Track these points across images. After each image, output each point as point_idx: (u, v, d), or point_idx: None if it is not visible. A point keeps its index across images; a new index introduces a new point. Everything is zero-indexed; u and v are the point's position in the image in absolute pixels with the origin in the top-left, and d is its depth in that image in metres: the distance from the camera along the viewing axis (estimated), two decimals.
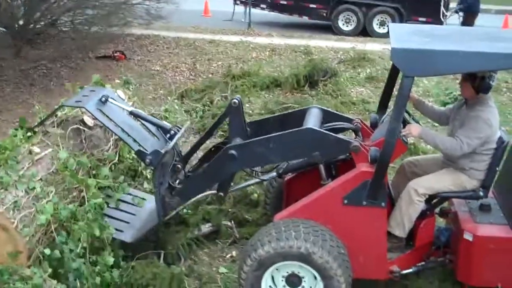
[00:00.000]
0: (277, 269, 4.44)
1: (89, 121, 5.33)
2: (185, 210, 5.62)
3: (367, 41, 14.12)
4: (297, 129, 4.70)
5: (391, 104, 5.00)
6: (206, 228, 5.70)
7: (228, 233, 5.72)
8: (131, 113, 5.15)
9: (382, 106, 5.34)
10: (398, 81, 4.72)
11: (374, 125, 5.16)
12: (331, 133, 4.69)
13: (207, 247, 5.54)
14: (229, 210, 5.99)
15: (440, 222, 5.30)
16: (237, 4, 16.30)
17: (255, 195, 6.11)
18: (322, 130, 4.73)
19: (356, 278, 4.53)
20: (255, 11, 16.06)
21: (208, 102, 9.15)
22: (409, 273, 4.82)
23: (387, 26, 15.20)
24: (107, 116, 4.88)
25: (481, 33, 4.93)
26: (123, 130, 4.87)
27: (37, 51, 11.97)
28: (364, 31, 15.37)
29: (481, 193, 4.72)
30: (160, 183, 4.87)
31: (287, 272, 4.46)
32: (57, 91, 10.09)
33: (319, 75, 10.10)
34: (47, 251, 4.30)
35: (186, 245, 5.35)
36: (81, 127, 5.25)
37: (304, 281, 4.46)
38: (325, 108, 5.38)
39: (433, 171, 4.88)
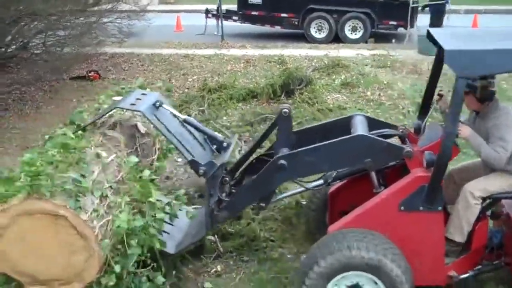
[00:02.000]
0: (337, 283, 4.37)
1: (141, 127, 5.21)
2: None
3: (340, 48, 14.23)
4: (348, 136, 4.69)
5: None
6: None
7: (212, 247, 5.69)
8: (184, 121, 5.01)
9: (423, 111, 5.31)
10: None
11: (417, 131, 5.16)
12: (383, 140, 4.69)
13: (191, 263, 5.50)
14: None
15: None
16: (209, 18, 16.33)
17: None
18: (374, 136, 4.71)
19: (416, 285, 4.48)
20: (227, 24, 16.11)
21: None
22: (467, 277, 4.77)
23: (359, 31, 15.37)
24: (162, 122, 4.77)
25: None
26: (176, 137, 4.78)
27: (10, 75, 11.87)
28: (336, 38, 15.48)
29: None
30: (210, 195, 4.82)
31: (347, 285, 4.39)
32: (32, 115, 10.01)
33: (295, 84, 10.14)
34: (118, 267, 4.14)
35: (170, 262, 5.31)
36: (136, 133, 5.14)
37: None
38: (369, 115, 5.38)
39: (482, 174, 4.86)
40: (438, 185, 4.42)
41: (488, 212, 4.88)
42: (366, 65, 12.28)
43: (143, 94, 5.08)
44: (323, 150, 4.62)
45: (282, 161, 4.63)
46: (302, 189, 5.32)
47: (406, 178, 4.53)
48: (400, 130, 5.12)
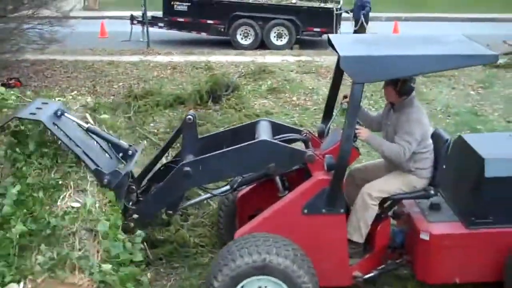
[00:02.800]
0: (243, 287, 4.36)
1: None
2: None
3: (266, 54, 14.39)
4: (251, 142, 4.71)
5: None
6: None
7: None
8: (88, 129, 4.94)
9: (327, 115, 5.40)
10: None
11: (321, 135, 5.22)
12: (285, 144, 4.73)
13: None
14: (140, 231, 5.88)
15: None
16: (134, 24, 16.13)
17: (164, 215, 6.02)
18: (276, 141, 4.74)
19: (321, 286, 4.52)
20: (153, 30, 15.96)
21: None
22: (371, 277, 4.89)
23: (285, 38, 15.57)
24: (63, 131, 4.64)
25: (419, 38, 5.14)
26: (79, 146, 4.65)
27: None
28: (262, 44, 15.64)
29: (432, 192, 4.84)
30: None
31: None
32: None
33: (222, 89, 10.19)
34: None
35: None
36: None
37: None
38: (274, 121, 5.40)
39: (382, 175, 4.96)
40: (338, 188, 4.52)
41: (390, 212, 5.02)
42: (291, 71, 12.47)
43: (44, 103, 4.97)
44: (227, 156, 4.68)
45: (187, 168, 4.64)
46: (210, 195, 5.33)
47: (308, 182, 4.62)
48: (304, 135, 5.17)
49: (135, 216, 4.79)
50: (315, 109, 10.11)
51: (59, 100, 5.71)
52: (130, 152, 5.04)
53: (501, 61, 13.55)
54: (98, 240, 3.95)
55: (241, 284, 4.31)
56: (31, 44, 12.43)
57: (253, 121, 5.50)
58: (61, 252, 3.62)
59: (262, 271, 4.26)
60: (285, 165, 4.78)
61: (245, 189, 5.38)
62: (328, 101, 5.42)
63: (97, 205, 4.24)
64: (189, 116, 4.93)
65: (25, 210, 3.98)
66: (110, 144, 5.09)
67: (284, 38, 15.66)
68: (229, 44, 15.73)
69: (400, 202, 5.03)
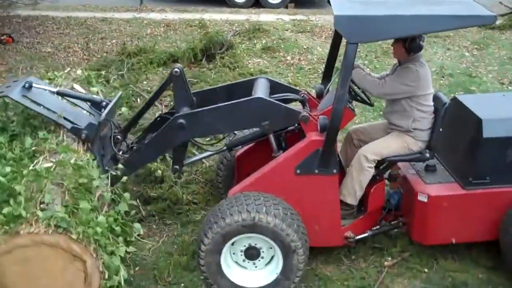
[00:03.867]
0: (233, 244, 4.45)
1: None
2: None
3: (261, 12, 14.22)
4: (246, 98, 4.70)
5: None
6: None
7: (134, 212, 5.65)
8: (57, 93, 4.95)
9: (326, 75, 5.37)
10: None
11: (319, 95, 5.21)
12: (280, 103, 4.71)
13: None
14: (134, 188, 5.93)
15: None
16: None
17: (159, 171, 6.06)
18: (271, 100, 4.72)
19: (312, 246, 4.59)
20: None
21: (104, 82, 8.93)
22: (364, 237, 4.96)
23: None
24: (34, 102, 4.68)
25: None
26: (53, 112, 4.68)
27: None
28: (257, 2, 15.42)
29: (427, 155, 4.86)
30: (102, 155, 4.80)
31: (245, 246, 4.49)
32: None
33: (216, 48, 10.11)
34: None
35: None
36: None
37: (263, 251, 4.51)
38: (272, 79, 5.37)
39: (379, 137, 4.98)
40: (331, 149, 4.52)
41: (386, 174, 5.06)
42: (286, 30, 12.36)
43: (14, 81, 5.05)
44: (222, 111, 4.67)
45: (181, 120, 4.65)
46: (209, 153, 5.39)
47: (301, 142, 4.63)
48: (301, 95, 5.16)
49: (121, 166, 4.81)
50: (309, 68, 10.07)
51: (50, 78, 5.73)
52: (104, 103, 5.06)
53: (497, 22, 13.49)
54: (65, 193, 4.03)
55: (231, 241, 4.39)
56: (22, 0, 12.25)
57: (251, 78, 5.45)
58: (15, 209, 3.71)
59: (252, 229, 4.33)
60: (279, 124, 4.80)
61: (243, 149, 5.41)
62: (327, 61, 5.39)
63: (72, 161, 4.27)
64: (176, 69, 4.88)
65: None
66: (87, 101, 5.12)
67: None
68: (224, 1, 15.51)
69: (395, 164, 5.05)
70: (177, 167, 5.04)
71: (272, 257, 4.54)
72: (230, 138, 5.34)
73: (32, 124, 4.86)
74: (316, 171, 4.59)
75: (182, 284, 4.82)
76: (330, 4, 4.74)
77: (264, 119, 4.67)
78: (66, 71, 6.02)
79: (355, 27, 4.25)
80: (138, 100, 8.37)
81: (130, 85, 8.74)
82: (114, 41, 11.52)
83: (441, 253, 5.14)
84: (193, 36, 11.65)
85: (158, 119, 5.33)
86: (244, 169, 5.35)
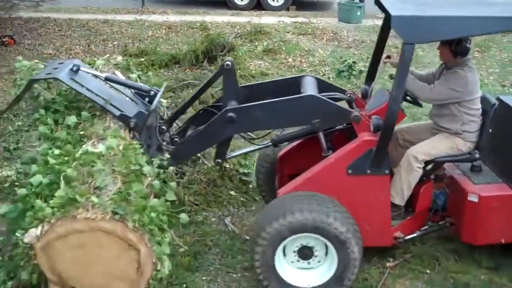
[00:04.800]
0: (286, 245, 4.44)
1: None
2: None
3: (262, 15, 14.27)
4: (299, 95, 4.68)
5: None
6: None
7: None
8: (106, 78, 4.87)
9: (370, 76, 5.36)
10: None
11: (364, 96, 5.19)
12: (332, 102, 4.70)
13: None
14: None
15: None
16: None
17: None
18: (324, 98, 4.70)
19: (363, 246, 4.56)
20: None
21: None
22: (413, 237, 4.95)
23: None
24: (82, 85, 4.62)
25: None
26: (101, 97, 4.63)
27: None
28: (258, 5, 15.46)
29: (477, 155, 4.84)
30: (148, 145, 4.75)
31: (298, 246, 4.49)
32: None
33: (217, 50, 10.11)
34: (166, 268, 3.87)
35: None
36: None
37: (316, 251, 4.51)
38: (319, 78, 5.36)
39: (425, 137, 4.95)
40: (384, 149, 4.51)
41: (432, 175, 5.00)
42: (288, 32, 12.39)
43: (60, 63, 4.95)
44: (272, 107, 4.64)
45: (231, 114, 4.61)
46: (253, 148, 5.37)
47: (353, 142, 4.61)
48: (348, 95, 5.14)
49: (167, 155, 4.74)
50: (310, 70, 10.07)
51: (90, 63, 5.69)
52: (152, 93, 4.99)
53: None
54: (117, 179, 3.91)
55: (286, 241, 4.40)
56: (24, 1, 12.28)
57: (297, 75, 5.42)
58: (70, 192, 3.62)
59: (309, 229, 4.33)
60: (329, 123, 4.80)
61: (286, 148, 5.39)
62: (371, 62, 5.37)
63: (112, 146, 4.16)
64: (227, 62, 4.84)
65: (43, 164, 3.97)
66: (132, 90, 5.07)
67: None
68: (225, 4, 15.55)
69: (442, 165, 5.03)
70: (219, 160, 5.02)
71: (326, 256, 4.54)
72: (278, 134, 5.31)
73: (76, 107, 4.81)
74: (368, 171, 4.57)
75: (184, 285, 4.80)
76: (379, 5, 4.75)
77: (315, 117, 4.64)
78: (105, 57, 5.99)
79: (413, 27, 4.23)
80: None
81: None
82: (115, 43, 11.56)
83: (443, 254, 5.13)
84: (194, 38, 11.68)
85: (201, 112, 5.30)
86: (286, 170, 5.34)
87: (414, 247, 5.21)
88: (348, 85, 9.13)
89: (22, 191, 3.77)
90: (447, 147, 4.85)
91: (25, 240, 3.49)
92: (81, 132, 4.41)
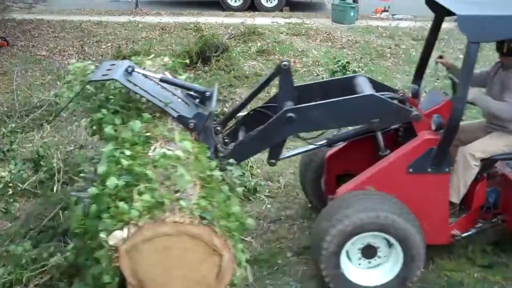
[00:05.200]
0: (351, 245, 4.45)
1: None
2: None
3: (256, 16, 14.29)
4: (360, 95, 4.69)
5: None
6: None
7: None
8: (161, 80, 4.78)
9: (418, 76, 5.39)
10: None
11: (414, 96, 5.22)
12: (392, 101, 4.74)
13: None
14: None
15: None
16: None
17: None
18: (384, 97, 4.72)
19: None
20: None
21: (99, 85, 8.90)
22: (468, 235, 4.94)
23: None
24: (138, 86, 4.55)
25: None
26: (158, 98, 4.55)
27: None
28: (252, 6, 15.49)
29: None
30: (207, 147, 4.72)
31: (362, 244, 4.51)
32: None
33: (211, 51, 10.11)
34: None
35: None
36: None
37: (380, 251, 4.54)
38: (370, 77, 5.35)
39: (479, 136, 4.96)
40: (447, 147, 4.53)
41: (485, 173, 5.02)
42: (281, 33, 12.41)
43: (112, 64, 4.86)
44: (333, 107, 4.63)
45: (291, 114, 4.56)
46: (307, 148, 5.34)
47: (414, 141, 4.63)
48: (400, 94, 5.13)
49: (221, 154, 4.73)
50: (304, 71, 10.11)
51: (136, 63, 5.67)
52: (207, 93, 4.86)
53: None
54: (194, 182, 3.81)
55: (352, 239, 4.41)
56: (18, 3, 12.27)
57: (347, 75, 5.44)
58: (157, 195, 3.54)
59: (376, 228, 4.35)
60: (389, 122, 4.81)
61: (335, 149, 5.39)
62: (419, 62, 5.39)
63: (188, 150, 4.11)
64: (285, 63, 4.83)
65: (119, 166, 3.87)
66: (186, 91, 5.03)
67: (274, 0, 15.52)
68: (219, 5, 15.58)
69: (495, 163, 5.03)
70: (273, 161, 4.98)
71: (388, 255, 4.57)
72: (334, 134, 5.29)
73: (132, 108, 4.68)
74: (429, 169, 4.59)
75: None
76: (430, 4, 4.81)
77: (375, 116, 4.65)
78: (150, 57, 5.98)
79: (479, 27, 4.27)
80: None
81: None
82: (109, 44, 11.55)
83: (437, 252, 5.15)
84: (188, 39, 11.68)
85: (252, 113, 5.27)
86: (334, 170, 5.36)
87: None
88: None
89: (93, 190, 3.70)
90: (503, 144, 4.86)
91: (111, 242, 3.38)
92: (147, 134, 4.29)
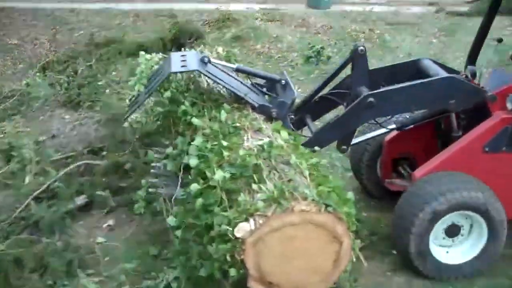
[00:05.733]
0: (441, 223, 4.56)
1: None
2: (56, 183, 5.48)
3: (231, 2, 14.18)
4: (440, 77, 4.76)
5: None
6: (80, 200, 5.57)
7: (103, 203, 5.61)
8: (237, 69, 4.81)
9: (473, 57, 5.46)
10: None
11: (473, 77, 5.25)
12: (469, 83, 4.83)
13: (83, 219, 5.43)
14: (103, 179, 5.87)
15: None
16: None
17: (129, 164, 5.99)
18: (462, 79, 4.83)
19: None
20: None
21: (72, 73, 8.84)
22: None
23: None
24: (215, 76, 4.57)
25: None
26: (236, 88, 4.62)
27: None
28: None
29: None
30: None
31: (447, 224, 4.60)
32: None
33: (185, 37, 10.06)
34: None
35: (60, 220, 5.21)
36: None
37: (463, 229, 4.65)
38: (434, 60, 5.35)
39: None
40: None
41: None
42: (256, 19, 12.37)
43: (183, 55, 4.84)
44: (412, 90, 4.67)
45: (371, 99, 4.59)
46: (377, 133, 5.40)
47: (489, 121, 4.73)
48: (463, 75, 5.17)
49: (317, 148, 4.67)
50: (279, 57, 10.10)
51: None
52: (282, 82, 4.84)
53: (463, 9, 13.67)
54: (299, 171, 3.77)
55: (442, 219, 4.51)
56: None
57: (412, 59, 5.46)
58: (276, 184, 3.52)
59: (467, 206, 4.47)
60: (465, 103, 4.84)
61: (393, 133, 5.45)
62: (474, 45, 5.45)
63: (287, 139, 4.13)
64: (361, 47, 4.81)
65: (216, 158, 3.85)
66: (251, 82, 4.94)
67: None
68: None
69: None
70: (345, 147, 4.97)
71: (470, 233, 4.69)
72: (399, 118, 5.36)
73: (208, 99, 4.74)
74: (504, 148, 4.72)
75: (153, 273, 4.80)
76: None
77: (452, 98, 4.72)
78: (198, 48, 5.98)
79: None
80: (107, 91, 8.30)
81: (99, 75, 8.67)
82: (82, 32, 11.42)
83: None
84: (162, 26, 11.57)
85: (317, 99, 5.23)
86: (390, 154, 5.47)
87: (381, 228, 5.27)
88: (316, 71, 9.18)
89: (195, 187, 3.67)
90: None
91: (238, 235, 3.35)
92: (235, 124, 4.27)
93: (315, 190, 3.51)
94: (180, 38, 9.99)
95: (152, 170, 5.03)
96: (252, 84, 4.89)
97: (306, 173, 3.69)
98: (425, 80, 4.72)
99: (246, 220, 3.37)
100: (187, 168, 4.09)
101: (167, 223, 4.17)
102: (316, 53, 9.71)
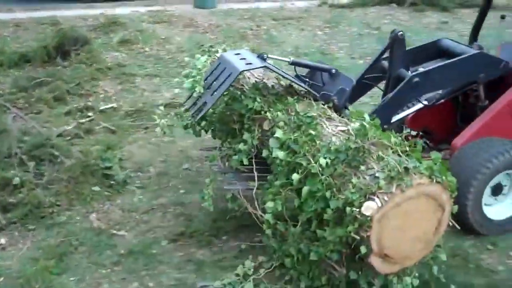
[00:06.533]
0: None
1: None
2: None
3: (116, 6, 13.93)
4: (472, 53, 5.19)
5: None
6: None
7: None
8: (292, 63, 5.02)
9: (474, 35, 5.99)
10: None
11: None
12: (496, 56, 5.35)
13: None
14: None
15: None
16: None
17: (17, 178, 5.73)
18: (490, 53, 5.36)
19: None
20: None
21: None
22: None
23: None
24: (282, 70, 4.78)
25: None
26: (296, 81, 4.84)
27: None
28: None
29: None
30: None
31: (494, 183, 5.01)
32: None
33: (70, 44, 9.77)
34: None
35: None
36: None
37: (505, 188, 5.12)
38: (451, 39, 5.78)
39: None
40: None
41: None
42: (143, 22, 12.21)
43: (236, 54, 4.97)
44: (450, 68, 5.09)
45: (417, 79, 4.93)
46: (413, 109, 5.61)
47: None
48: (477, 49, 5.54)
49: None
50: (169, 58, 10.04)
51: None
52: (333, 71, 5.08)
53: (345, 1, 14.17)
54: (395, 149, 4.02)
55: (493, 180, 4.96)
56: None
57: (432, 40, 5.77)
58: (398, 161, 3.76)
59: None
60: (492, 75, 5.30)
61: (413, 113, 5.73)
62: (475, 24, 6.01)
63: (357, 124, 4.26)
64: (400, 32, 5.12)
65: (306, 148, 4.10)
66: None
67: None
68: None
69: None
70: (386, 126, 5.02)
71: (510, 191, 5.16)
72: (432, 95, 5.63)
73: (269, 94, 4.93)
74: None
75: None
76: None
77: (482, 72, 5.20)
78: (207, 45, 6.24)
79: None
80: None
81: None
82: None
83: None
84: (45, 34, 11.15)
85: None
86: (413, 128, 5.80)
87: None
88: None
89: (295, 176, 3.99)
90: None
91: (367, 213, 3.59)
92: (310, 114, 4.43)
93: (423, 164, 3.83)
94: (65, 45, 9.68)
95: (214, 168, 5.14)
96: (297, 75, 5.20)
97: (399, 150, 4.00)
98: (460, 57, 5.16)
99: (369, 199, 3.65)
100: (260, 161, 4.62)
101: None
102: (207, 52, 9.70)
